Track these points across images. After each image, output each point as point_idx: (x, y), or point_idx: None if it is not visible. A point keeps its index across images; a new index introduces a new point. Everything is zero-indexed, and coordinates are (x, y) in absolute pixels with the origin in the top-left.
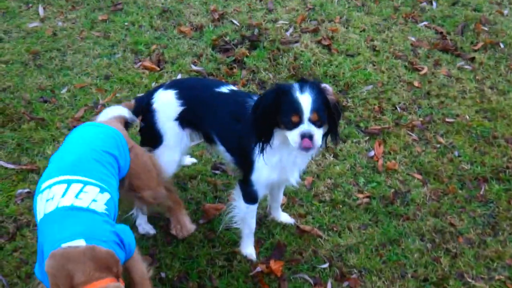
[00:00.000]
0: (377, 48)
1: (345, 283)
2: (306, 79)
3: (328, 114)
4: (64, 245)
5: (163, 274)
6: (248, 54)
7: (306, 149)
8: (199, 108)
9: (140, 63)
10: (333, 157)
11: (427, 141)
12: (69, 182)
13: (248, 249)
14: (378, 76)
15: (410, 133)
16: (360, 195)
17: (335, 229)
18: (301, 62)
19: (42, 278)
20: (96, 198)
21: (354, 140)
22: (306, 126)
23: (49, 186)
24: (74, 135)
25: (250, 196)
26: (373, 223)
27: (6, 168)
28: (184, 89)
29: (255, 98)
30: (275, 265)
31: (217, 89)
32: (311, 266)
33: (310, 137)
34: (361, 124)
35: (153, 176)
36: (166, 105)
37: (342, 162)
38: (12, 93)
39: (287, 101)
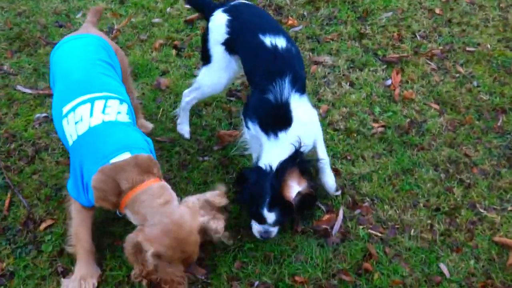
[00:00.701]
0: None
1: (357, 211)
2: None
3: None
4: (112, 160)
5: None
6: None
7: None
8: (238, 45)
9: None
10: (349, 85)
11: (446, 70)
12: (91, 101)
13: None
14: (398, 3)
15: (429, 62)
16: (375, 124)
17: (348, 157)
18: None
19: (76, 196)
20: (119, 110)
21: (371, 69)
22: (265, 228)
23: (72, 109)
24: (65, 52)
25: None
26: (387, 152)
27: (24, 92)
28: (236, 19)
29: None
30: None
31: (262, 37)
32: (323, 194)
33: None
34: (379, 52)
35: (130, 77)
36: (217, 28)
37: (358, 90)
38: (27, 17)
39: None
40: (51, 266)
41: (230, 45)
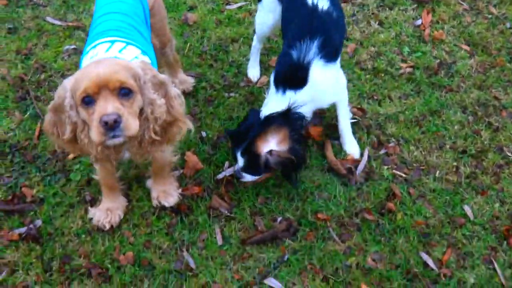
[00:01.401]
0: None
1: (382, 151)
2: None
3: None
4: None
5: (203, 133)
6: None
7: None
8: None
9: None
10: (378, 24)
11: (478, 11)
12: (112, 42)
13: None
14: None
15: (461, 2)
16: (404, 65)
17: (375, 97)
18: None
19: None
20: (138, 56)
21: (401, 8)
22: (238, 168)
23: (93, 47)
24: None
25: None
26: (414, 93)
27: (53, 24)
28: None
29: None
30: (314, 131)
31: None
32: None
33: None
34: None
35: (167, 27)
36: None
37: (387, 30)
38: None
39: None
40: (79, 194)
41: None
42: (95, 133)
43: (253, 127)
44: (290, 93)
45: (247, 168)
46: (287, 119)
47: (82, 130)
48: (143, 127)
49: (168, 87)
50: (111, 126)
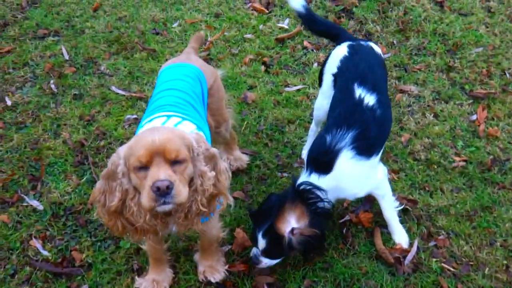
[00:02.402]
0: (492, 9)
1: (431, 243)
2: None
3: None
4: None
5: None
6: (357, 4)
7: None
8: (337, 81)
9: (250, 4)
10: (433, 116)
11: None
12: (168, 116)
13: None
14: (490, 39)
15: None
16: (457, 158)
17: (427, 188)
18: (411, 17)
19: None
20: (194, 131)
21: (457, 102)
22: (257, 252)
23: (150, 120)
24: (166, 77)
25: None
26: (467, 187)
27: (117, 93)
28: (351, 57)
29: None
30: (364, 217)
31: (356, 86)
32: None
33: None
34: (466, 87)
35: (225, 108)
36: (335, 57)
37: (442, 122)
38: (127, 22)
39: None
40: (127, 262)
41: (336, 78)
42: (146, 198)
43: (273, 208)
44: (314, 176)
45: (268, 251)
46: (298, 194)
47: (132, 198)
48: (191, 199)
49: (217, 160)
50: (163, 192)
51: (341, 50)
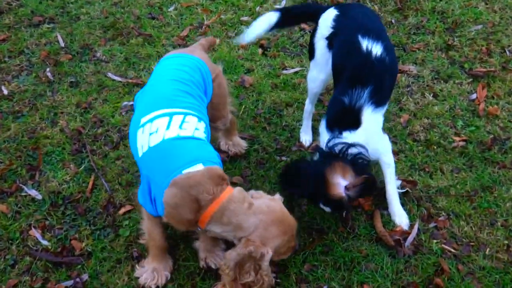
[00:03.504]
0: None
1: (432, 224)
2: None
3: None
4: (185, 171)
5: None
6: None
7: None
8: (337, 39)
9: None
10: (432, 96)
11: None
12: (170, 115)
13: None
14: (490, 16)
15: None
16: (457, 138)
17: (427, 169)
18: None
19: (145, 206)
20: (197, 126)
21: (457, 81)
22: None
23: (150, 120)
24: (162, 68)
25: None
26: (467, 167)
27: (114, 80)
28: (344, 14)
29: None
30: (364, 200)
31: (361, 38)
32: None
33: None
34: (466, 65)
35: (228, 104)
36: (324, 21)
37: (441, 102)
38: (122, 7)
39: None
40: (127, 250)
41: (331, 40)
42: None
43: (316, 180)
44: (346, 133)
45: (337, 210)
46: (331, 155)
47: None
48: None
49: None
50: None
51: (330, 14)
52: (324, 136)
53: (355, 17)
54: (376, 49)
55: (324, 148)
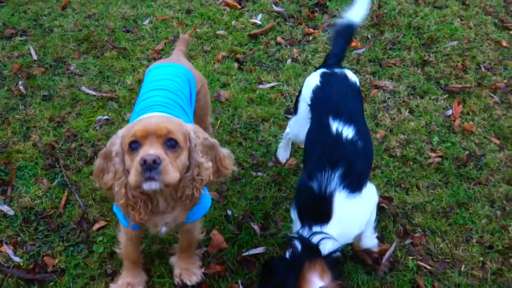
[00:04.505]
0: (466, 2)
1: (407, 241)
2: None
3: None
4: None
5: (229, 212)
6: None
7: None
8: (311, 116)
9: None
10: (408, 112)
11: (509, 104)
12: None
13: None
14: (465, 32)
15: (492, 95)
16: (433, 154)
17: (403, 185)
18: (385, 10)
19: (117, 211)
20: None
21: (432, 97)
22: None
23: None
24: (154, 76)
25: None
26: (442, 183)
27: (88, 94)
28: (322, 88)
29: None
30: None
31: (331, 120)
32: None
33: None
34: (441, 81)
35: (209, 115)
36: (308, 87)
37: (417, 118)
38: (96, 20)
39: None
40: (100, 267)
41: (310, 109)
42: (133, 174)
43: (288, 276)
44: (316, 229)
45: None
46: (311, 249)
47: (118, 178)
48: (192, 187)
49: (218, 148)
50: (149, 166)
51: (313, 79)
52: (297, 225)
53: (331, 95)
54: (347, 132)
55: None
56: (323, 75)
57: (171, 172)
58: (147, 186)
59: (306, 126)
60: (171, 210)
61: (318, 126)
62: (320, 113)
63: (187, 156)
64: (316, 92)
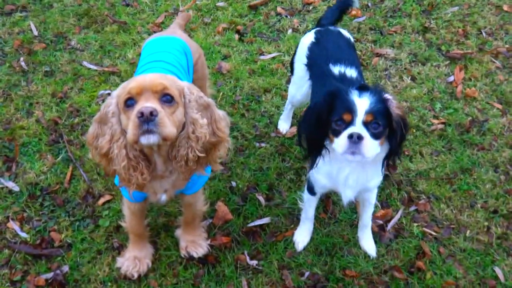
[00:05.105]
0: None
1: (412, 208)
2: (367, 86)
3: (389, 128)
4: None
5: (233, 183)
6: None
7: (353, 153)
8: (311, 73)
9: None
10: (410, 79)
11: (511, 69)
12: None
13: (299, 235)
14: None
15: (494, 60)
16: (435, 121)
17: (406, 153)
18: None
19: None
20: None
21: (434, 64)
22: (357, 128)
23: None
24: (154, 46)
25: (308, 186)
26: (446, 150)
27: (89, 68)
28: (318, 41)
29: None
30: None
31: (332, 66)
32: (379, 189)
33: (359, 138)
34: (443, 48)
35: (207, 86)
36: (303, 46)
37: (419, 85)
38: None
39: (341, 101)
40: (107, 241)
41: (309, 68)
42: (130, 128)
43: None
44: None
45: (376, 122)
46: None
47: (117, 140)
48: (186, 145)
49: (213, 108)
50: (147, 117)
51: (308, 38)
52: None
53: (327, 47)
54: (351, 72)
55: None
56: (317, 32)
57: (168, 125)
58: (145, 139)
59: (303, 86)
60: (170, 175)
61: (320, 76)
62: (320, 66)
63: (183, 112)
64: (312, 48)
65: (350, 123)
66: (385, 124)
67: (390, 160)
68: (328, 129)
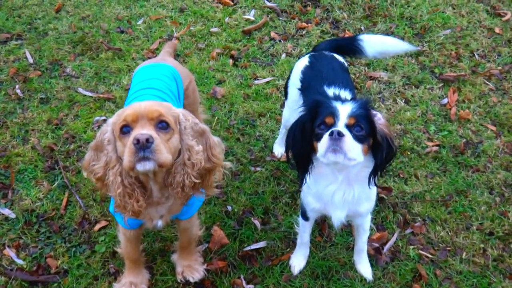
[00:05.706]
0: None
1: (408, 230)
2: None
3: (374, 141)
4: None
5: (229, 208)
6: None
7: (334, 151)
8: (305, 91)
9: None
10: (404, 102)
11: (504, 91)
12: None
13: (295, 259)
14: (457, 20)
15: (487, 82)
16: (430, 143)
17: (401, 175)
18: (377, 2)
19: (114, 212)
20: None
21: (427, 86)
22: (338, 128)
23: None
24: (144, 74)
25: (301, 211)
26: (441, 172)
27: (85, 95)
28: (312, 64)
29: None
30: None
31: (326, 88)
32: (374, 212)
33: (340, 134)
34: (436, 70)
35: (199, 111)
36: (297, 70)
37: (413, 108)
38: (91, 22)
39: (324, 108)
40: (103, 266)
41: (302, 92)
42: (126, 155)
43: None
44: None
45: (359, 126)
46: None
47: (112, 167)
48: (182, 172)
49: (208, 135)
50: (143, 144)
51: (302, 62)
52: None
53: (321, 69)
54: (345, 94)
55: None
56: (311, 56)
57: (164, 152)
58: (141, 166)
59: (297, 110)
60: (165, 201)
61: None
62: (314, 86)
63: (179, 139)
64: (306, 71)
65: (332, 125)
66: (368, 129)
67: (375, 176)
68: (312, 139)
